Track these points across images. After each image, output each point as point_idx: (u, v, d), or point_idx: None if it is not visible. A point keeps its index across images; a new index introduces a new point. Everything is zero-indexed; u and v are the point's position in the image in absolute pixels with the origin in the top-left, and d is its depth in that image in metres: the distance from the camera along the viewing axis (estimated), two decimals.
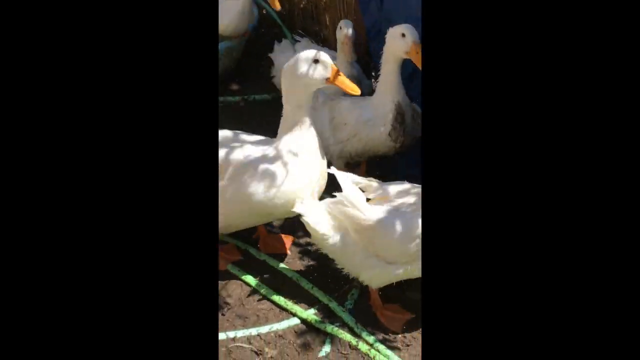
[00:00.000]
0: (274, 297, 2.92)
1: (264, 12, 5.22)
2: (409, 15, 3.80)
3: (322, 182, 2.84)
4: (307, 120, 2.73)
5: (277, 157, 2.73)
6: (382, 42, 3.28)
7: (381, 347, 2.66)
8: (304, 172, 2.74)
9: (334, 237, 2.71)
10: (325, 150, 3.08)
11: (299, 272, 3.09)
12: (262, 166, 2.72)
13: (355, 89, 2.74)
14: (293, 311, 2.86)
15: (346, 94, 2.97)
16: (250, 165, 2.74)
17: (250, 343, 2.71)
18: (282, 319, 2.84)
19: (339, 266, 2.82)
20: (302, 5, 4.73)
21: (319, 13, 4.52)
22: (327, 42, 4.24)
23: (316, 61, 2.65)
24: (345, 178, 2.69)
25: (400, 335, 2.74)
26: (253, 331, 2.76)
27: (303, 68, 2.65)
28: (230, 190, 2.75)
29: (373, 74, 3.86)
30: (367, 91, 3.58)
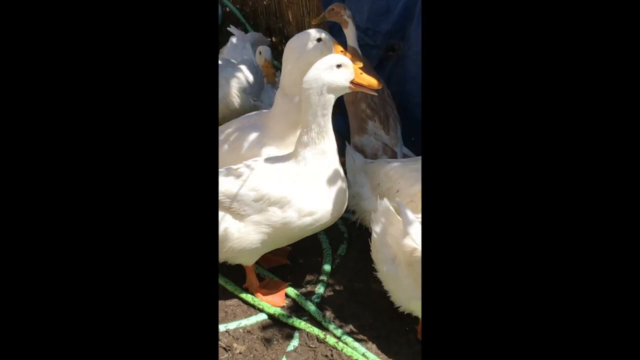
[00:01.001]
0: (241, 294, 2.93)
1: (227, 10, 5.21)
2: (372, 12, 3.83)
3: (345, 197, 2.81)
4: (331, 128, 2.69)
5: (305, 178, 2.69)
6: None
7: (349, 339, 2.68)
8: (332, 187, 2.72)
9: (387, 265, 2.64)
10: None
11: (266, 267, 3.10)
12: (293, 192, 2.67)
13: (375, 83, 2.70)
14: (260, 307, 2.87)
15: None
16: (280, 194, 2.68)
17: (218, 339, 2.71)
18: (250, 315, 2.85)
19: (391, 297, 2.71)
20: (265, 2, 4.74)
21: (282, 10, 4.53)
22: None
23: (339, 65, 2.62)
24: (407, 210, 2.56)
25: (367, 328, 2.77)
26: (221, 327, 2.76)
27: (328, 76, 2.60)
28: (258, 219, 2.70)
29: None
30: None
